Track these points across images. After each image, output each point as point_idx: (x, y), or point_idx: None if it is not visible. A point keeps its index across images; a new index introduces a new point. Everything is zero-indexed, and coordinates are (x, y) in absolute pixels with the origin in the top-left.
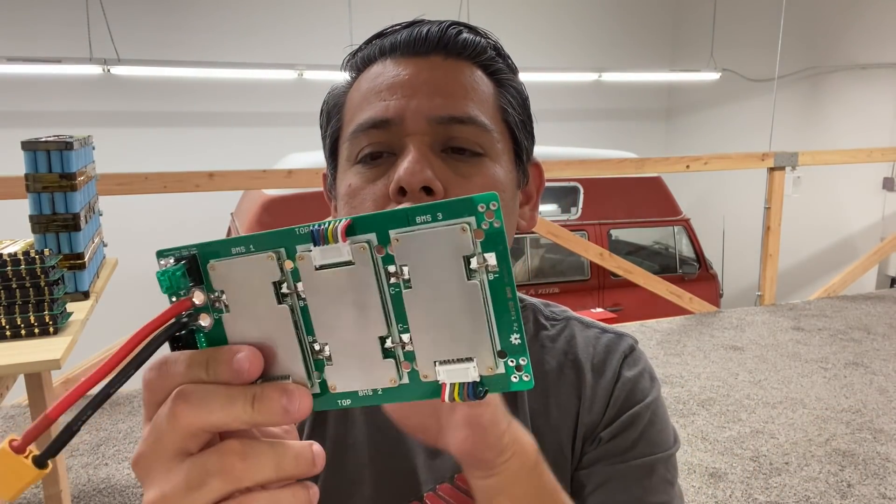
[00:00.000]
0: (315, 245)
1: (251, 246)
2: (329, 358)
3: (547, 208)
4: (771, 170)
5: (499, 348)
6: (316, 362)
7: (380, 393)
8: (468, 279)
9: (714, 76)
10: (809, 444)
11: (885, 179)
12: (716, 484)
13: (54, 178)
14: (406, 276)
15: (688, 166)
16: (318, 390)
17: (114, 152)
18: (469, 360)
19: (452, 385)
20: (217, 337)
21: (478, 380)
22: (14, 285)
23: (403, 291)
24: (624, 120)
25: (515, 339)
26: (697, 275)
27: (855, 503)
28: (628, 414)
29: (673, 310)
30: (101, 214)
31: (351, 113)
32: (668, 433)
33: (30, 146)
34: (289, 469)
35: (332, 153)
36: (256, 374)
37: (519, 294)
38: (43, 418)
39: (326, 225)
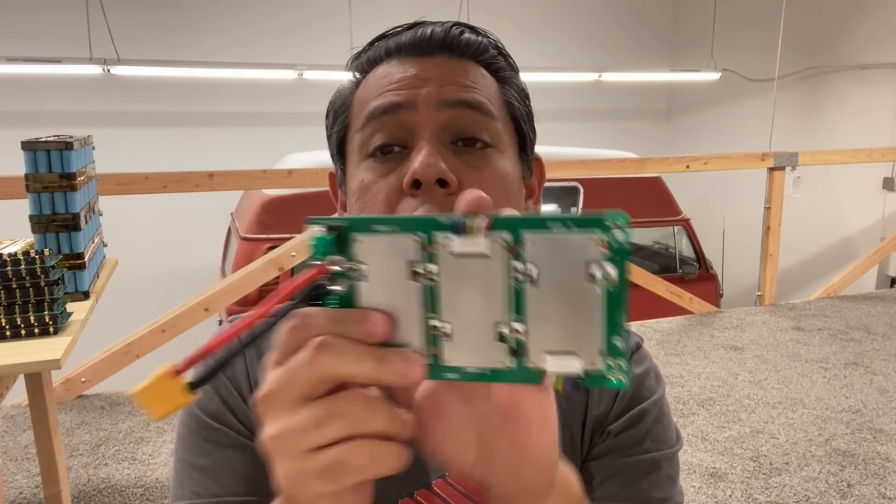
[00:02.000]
0: (456, 234)
1: (396, 227)
2: (448, 335)
3: (547, 208)
4: (771, 170)
5: (603, 348)
6: (434, 338)
7: (487, 372)
8: (587, 282)
9: (714, 76)
10: (809, 444)
11: (885, 179)
12: (716, 484)
13: (54, 178)
14: (532, 274)
15: (688, 166)
16: (430, 362)
17: (114, 152)
18: (575, 354)
19: (555, 375)
20: (347, 303)
21: (580, 373)
22: (14, 285)
23: (528, 287)
24: (624, 120)
25: (620, 342)
26: (697, 275)
27: (855, 503)
28: (637, 409)
29: (673, 310)
30: (101, 214)
31: (359, 109)
32: (672, 431)
33: (30, 146)
34: (395, 427)
35: (340, 151)
36: (383, 337)
37: None
38: (205, 348)
39: (467, 218)
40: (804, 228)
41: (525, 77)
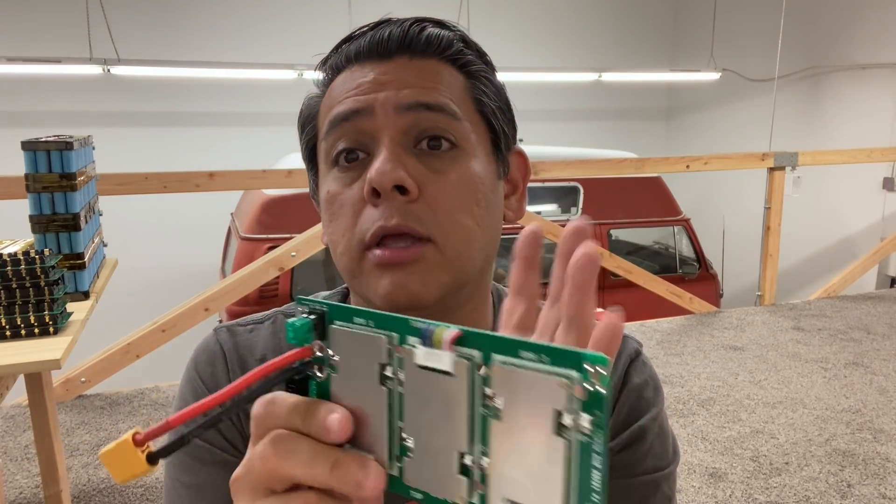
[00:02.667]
0: (422, 344)
1: (371, 322)
2: (411, 451)
3: (547, 208)
4: (771, 170)
5: None
6: (402, 447)
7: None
8: (555, 433)
9: (714, 76)
10: (809, 444)
11: (885, 179)
12: (716, 484)
13: (54, 178)
14: (499, 406)
15: (688, 166)
16: (396, 473)
17: (114, 152)
18: None
19: None
20: (326, 390)
21: None
22: (14, 285)
23: (492, 420)
24: (624, 120)
25: None
26: (697, 275)
27: (855, 503)
28: (637, 427)
29: (673, 310)
30: (101, 214)
31: (324, 118)
32: (670, 446)
33: (30, 146)
34: None
35: (311, 160)
36: (343, 438)
37: None
38: (164, 423)
39: (436, 328)
40: (804, 228)
41: (525, 77)
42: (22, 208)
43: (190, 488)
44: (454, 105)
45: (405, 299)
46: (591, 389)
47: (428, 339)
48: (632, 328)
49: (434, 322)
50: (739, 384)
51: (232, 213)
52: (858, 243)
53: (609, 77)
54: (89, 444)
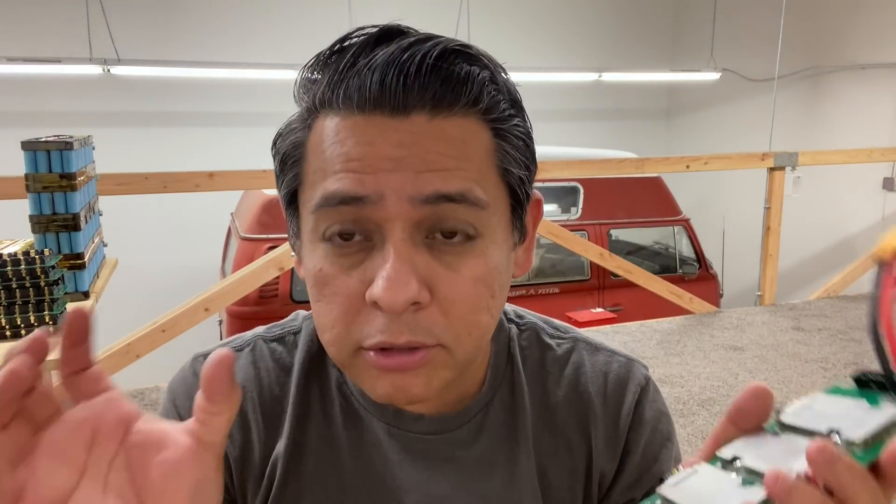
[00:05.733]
0: None
1: None
2: None
3: (547, 208)
4: (771, 170)
5: None
6: None
7: None
8: None
9: (714, 76)
10: None
11: (885, 179)
12: None
13: (54, 178)
14: None
15: (688, 166)
16: None
17: (114, 152)
18: None
19: None
20: None
21: None
22: (14, 285)
23: None
24: (624, 120)
25: None
26: (697, 275)
27: None
28: (657, 468)
29: (673, 310)
30: (101, 214)
31: (312, 172)
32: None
33: (30, 146)
34: None
35: (291, 203)
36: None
37: (518, 310)
38: None
39: None
40: (804, 228)
41: (525, 77)
42: (22, 208)
43: None
44: (479, 190)
45: (405, 400)
46: None
47: None
48: (632, 328)
49: None
50: (739, 384)
51: (232, 213)
52: (858, 243)
53: (609, 77)
54: None
